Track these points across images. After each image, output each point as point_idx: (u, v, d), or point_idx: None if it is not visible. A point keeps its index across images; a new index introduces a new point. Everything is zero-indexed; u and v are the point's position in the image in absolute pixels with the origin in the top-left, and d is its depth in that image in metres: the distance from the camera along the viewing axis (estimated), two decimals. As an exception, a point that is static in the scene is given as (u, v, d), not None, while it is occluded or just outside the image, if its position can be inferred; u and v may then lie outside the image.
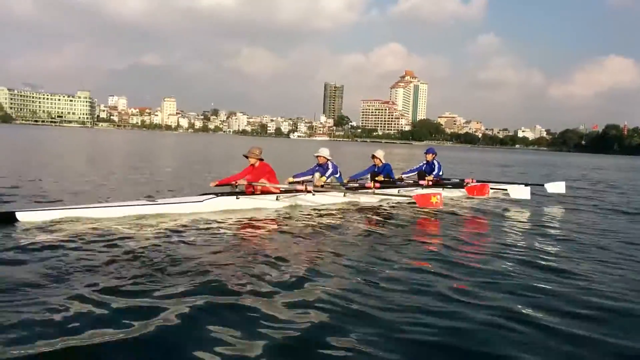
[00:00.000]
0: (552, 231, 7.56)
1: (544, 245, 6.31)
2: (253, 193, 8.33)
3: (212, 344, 3.03)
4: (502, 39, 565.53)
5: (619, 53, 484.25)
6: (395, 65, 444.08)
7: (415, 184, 10.70)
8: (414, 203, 8.36)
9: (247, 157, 8.57)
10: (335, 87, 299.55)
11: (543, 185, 12.07)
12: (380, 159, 10.56)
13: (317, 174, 9.36)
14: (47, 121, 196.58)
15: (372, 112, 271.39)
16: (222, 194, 7.93)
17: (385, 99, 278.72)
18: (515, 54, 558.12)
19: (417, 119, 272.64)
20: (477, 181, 11.52)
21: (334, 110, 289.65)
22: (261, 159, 8.52)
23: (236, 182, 8.22)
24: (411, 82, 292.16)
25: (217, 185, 8.19)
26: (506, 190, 10.96)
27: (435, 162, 11.46)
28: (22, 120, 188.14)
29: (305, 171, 9.62)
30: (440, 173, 11.51)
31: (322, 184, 9.13)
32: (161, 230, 6.14)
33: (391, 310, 3.69)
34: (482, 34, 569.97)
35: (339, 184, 9.59)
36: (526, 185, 11.22)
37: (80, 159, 22.35)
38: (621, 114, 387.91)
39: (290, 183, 9.10)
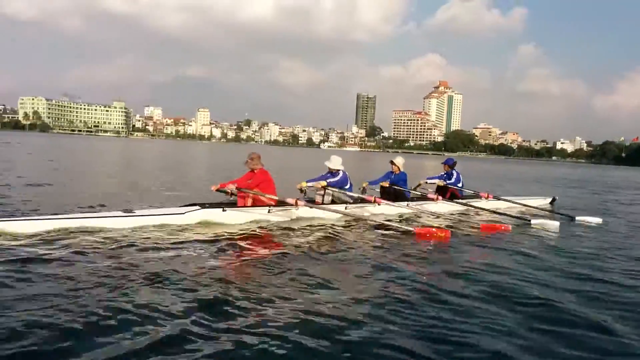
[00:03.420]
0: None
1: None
2: (245, 204, 7.84)
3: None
4: (543, 49, 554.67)
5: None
6: (434, 76, 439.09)
7: (425, 198, 10.17)
8: (413, 235, 7.36)
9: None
10: (368, 98, 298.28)
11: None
12: (398, 167, 10.22)
13: (321, 182, 8.89)
14: (83, 131, 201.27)
15: (404, 122, 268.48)
16: (207, 206, 7.34)
17: (418, 110, 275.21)
18: (557, 65, 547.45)
19: (451, 130, 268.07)
20: (494, 197, 11.17)
21: (366, 121, 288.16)
22: (259, 166, 8.07)
23: (230, 190, 7.72)
24: (445, 92, 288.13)
25: (217, 189, 7.73)
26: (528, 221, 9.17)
27: (453, 172, 11.16)
28: (60, 129, 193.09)
29: (317, 177, 9.18)
30: (459, 184, 11.12)
31: (323, 191, 8.82)
32: (138, 245, 5.69)
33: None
34: (522, 44, 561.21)
35: (342, 193, 8.92)
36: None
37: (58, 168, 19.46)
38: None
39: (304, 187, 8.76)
